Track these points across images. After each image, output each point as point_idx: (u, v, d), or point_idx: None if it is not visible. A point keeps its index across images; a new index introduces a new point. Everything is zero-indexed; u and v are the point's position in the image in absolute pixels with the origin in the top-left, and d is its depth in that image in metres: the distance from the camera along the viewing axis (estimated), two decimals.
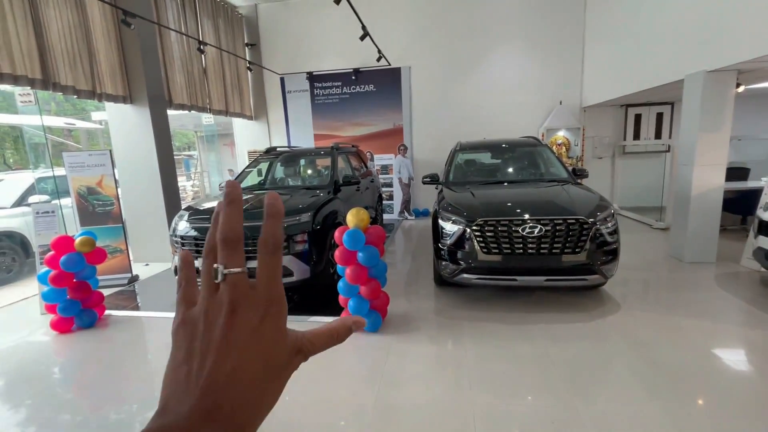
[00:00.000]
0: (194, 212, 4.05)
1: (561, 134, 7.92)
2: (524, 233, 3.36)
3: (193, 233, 3.83)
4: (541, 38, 7.91)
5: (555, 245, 3.35)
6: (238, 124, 9.42)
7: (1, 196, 6.03)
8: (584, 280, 3.38)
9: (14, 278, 5.66)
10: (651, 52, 5.45)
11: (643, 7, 5.57)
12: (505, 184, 4.53)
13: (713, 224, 4.70)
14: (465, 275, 3.57)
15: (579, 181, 4.52)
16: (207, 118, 8.25)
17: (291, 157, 5.59)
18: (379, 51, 7.03)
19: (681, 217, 4.87)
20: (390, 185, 8.73)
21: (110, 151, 4.91)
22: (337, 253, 3.15)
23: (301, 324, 3.55)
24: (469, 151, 5.37)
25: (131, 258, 6.06)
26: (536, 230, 3.35)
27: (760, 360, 2.68)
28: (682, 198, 4.85)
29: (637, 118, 7.97)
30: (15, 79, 4.17)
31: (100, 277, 4.90)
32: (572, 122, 7.85)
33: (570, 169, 4.67)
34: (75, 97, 4.86)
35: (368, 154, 8.71)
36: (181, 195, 14.78)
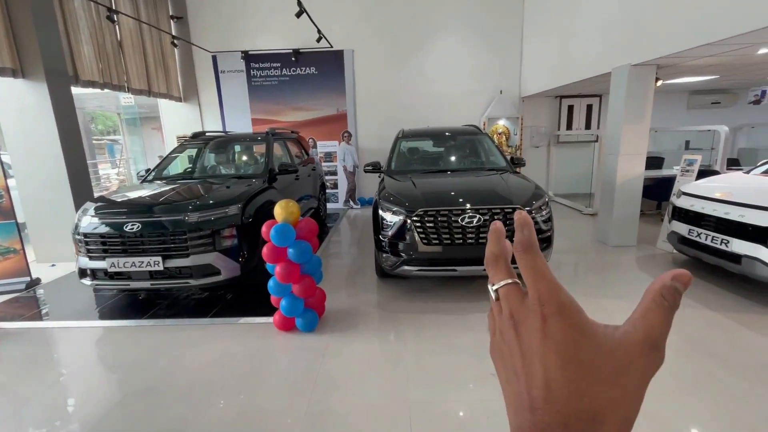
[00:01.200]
0: (103, 205, 3.54)
1: (501, 123, 8.11)
2: (463, 223, 3.32)
3: (101, 230, 3.34)
4: (483, 26, 7.97)
5: None
6: (166, 106, 8.54)
7: None
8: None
9: None
10: (582, 46, 5.67)
11: (575, 1, 5.76)
12: (447, 173, 4.49)
13: (635, 210, 5.05)
14: (406, 267, 3.48)
15: (517, 170, 4.61)
16: (126, 98, 7.36)
17: (222, 143, 5.12)
18: (319, 31, 6.65)
19: (607, 204, 5.18)
20: (334, 173, 8.45)
21: None
22: (264, 250, 2.89)
23: (232, 327, 3.26)
24: (412, 138, 5.28)
25: (29, 259, 5.30)
26: (475, 220, 3.32)
27: (674, 338, 2.88)
28: (607, 185, 5.15)
29: (570, 109, 8.38)
30: None
31: None
32: (512, 112, 8.07)
33: (508, 158, 4.74)
34: None
35: (310, 140, 8.34)
36: (105, 184, 13.31)
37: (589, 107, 8.38)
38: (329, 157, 8.40)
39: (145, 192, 3.85)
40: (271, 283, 3.02)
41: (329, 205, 8.32)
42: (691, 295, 3.54)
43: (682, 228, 4.01)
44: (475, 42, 8.03)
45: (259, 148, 5.26)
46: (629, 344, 0.30)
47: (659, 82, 5.00)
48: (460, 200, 3.47)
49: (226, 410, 2.26)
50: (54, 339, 3.28)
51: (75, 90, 5.68)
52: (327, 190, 8.34)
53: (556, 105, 8.46)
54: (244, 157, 5.45)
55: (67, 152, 5.02)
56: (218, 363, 2.75)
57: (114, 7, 6.41)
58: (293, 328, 3.13)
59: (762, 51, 3.99)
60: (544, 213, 3.52)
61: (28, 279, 4.38)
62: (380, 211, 3.67)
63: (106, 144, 17.85)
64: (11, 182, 5.13)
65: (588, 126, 8.44)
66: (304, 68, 8.25)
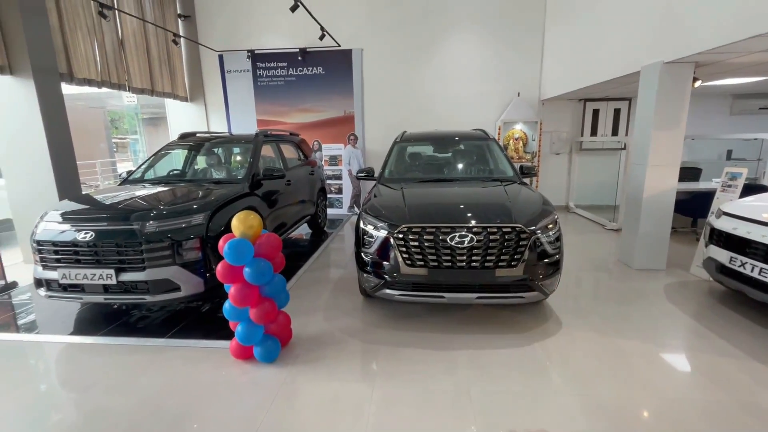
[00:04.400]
0: (63, 211, 3.26)
1: (518, 128, 7.52)
2: (453, 243, 2.84)
3: (54, 238, 3.05)
4: (500, 24, 7.43)
5: (488, 258, 2.86)
6: (172, 106, 8.43)
7: None
8: (520, 297, 2.92)
9: None
10: (609, 43, 5.07)
11: None
12: (444, 182, 4.01)
13: (664, 228, 4.40)
14: (387, 290, 3.04)
15: (526, 180, 4.08)
16: (129, 98, 7.26)
17: (208, 145, 4.82)
18: (322, 28, 6.32)
19: (632, 220, 4.56)
20: (339, 178, 8.09)
21: None
22: (219, 268, 2.52)
23: (187, 351, 2.90)
24: (412, 142, 4.82)
25: (16, 260, 5.19)
26: (466, 240, 2.84)
27: (703, 394, 2.31)
28: (633, 199, 4.53)
29: (595, 113, 7.70)
30: None
31: None
32: (530, 115, 7.47)
33: (518, 166, 4.21)
34: None
35: (315, 143, 8.02)
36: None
37: (617, 112, 7.67)
38: (334, 160, 8.05)
39: (114, 196, 3.57)
40: (226, 305, 2.65)
41: (332, 211, 7.97)
42: (731, 339, 2.92)
43: (721, 255, 3.37)
44: (492, 40, 7.50)
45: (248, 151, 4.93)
46: None
47: (697, 83, 4.35)
48: (452, 216, 2.99)
49: None
50: (7, 352, 3.01)
51: (89, 90, 5.56)
52: (331, 195, 8.00)
53: (579, 109, 7.79)
54: (231, 161, 5.14)
55: (54, 151, 4.86)
56: (158, 396, 2.39)
57: (116, 6, 6.30)
58: (251, 357, 2.74)
59: None
60: (551, 233, 3.00)
61: (2, 282, 4.20)
62: (362, 225, 3.25)
63: (128, 143, 18.28)
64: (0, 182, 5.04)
65: (615, 132, 7.73)
66: (311, 68, 7.95)
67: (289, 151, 5.71)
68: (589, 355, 2.77)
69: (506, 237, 2.86)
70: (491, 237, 2.85)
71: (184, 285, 3.06)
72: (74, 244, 2.99)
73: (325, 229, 6.63)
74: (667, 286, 4.00)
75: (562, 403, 2.26)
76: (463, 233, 2.86)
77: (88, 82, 5.81)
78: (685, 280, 4.13)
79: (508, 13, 7.38)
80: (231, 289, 2.54)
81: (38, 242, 3.08)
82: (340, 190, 8.13)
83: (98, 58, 5.98)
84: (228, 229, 3.33)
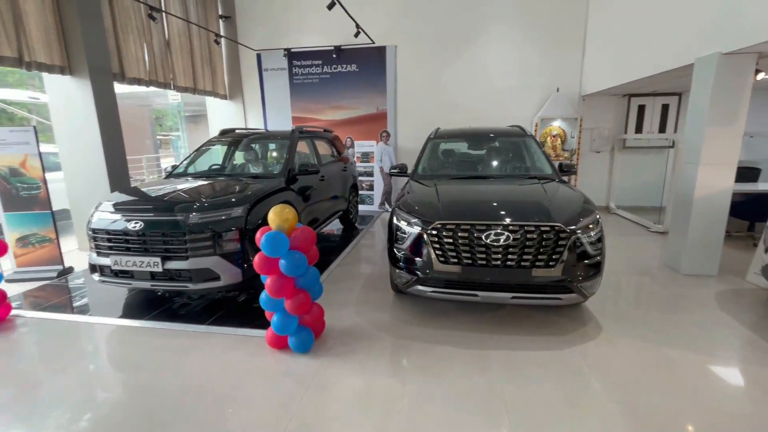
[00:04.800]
0: (116, 202, 3.48)
1: (556, 125, 7.26)
2: (488, 241, 2.79)
3: (108, 226, 3.27)
4: (540, 16, 7.18)
5: (524, 257, 2.78)
6: (212, 104, 8.78)
7: None
8: (558, 299, 2.82)
9: None
10: (659, 33, 4.78)
11: None
12: (480, 180, 3.93)
13: (717, 232, 4.11)
14: (419, 287, 3.03)
15: (565, 178, 3.94)
16: (173, 96, 7.62)
17: (247, 141, 4.99)
18: (357, 25, 6.35)
19: (681, 222, 4.28)
20: (371, 174, 8.13)
21: (34, 127, 4.33)
22: (255, 259, 2.60)
23: (226, 338, 3.03)
24: (446, 139, 4.76)
25: (73, 247, 5.57)
26: (502, 238, 2.78)
27: (758, 409, 2.14)
28: (683, 200, 4.26)
29: (641, 109, 7.29)
30: None
31: (26, 270, 4.42)
32: (569, 112, 7.18)
33: (556, 164, 4.07)
34: None
35: (348, 140, 8.09)
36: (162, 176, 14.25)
37: (665, 107, 7.23)
38: (366, 157, 8.10)
39: (161, 188, 3.77)
40: (262, 296, 2.73)
41: (363, 207, 8.03)
42: None
43: None
44: (530, 34, 7.26)
45: (284, 147, 5.06)
46: None
47: (760, 75, 4.02)
48: (487, 214, 2.93)
49: None
50: (65, 331, 3.25)
51: (138, 88, 5.91)
52: (362, 192, 8.06)
53: (623, 105, 7.41)
54: (268, 156, 5.28)
55: (107, 147, 5.19)
56: (198, 378, 2.51)
57: (163, 7, 6.62)
58: (286, 346, 2.81)
59: None
60: (592, 234, 2.87)
61: (60, 267, 4.54)
62: (395, 220, 3.25)
63: (171, 139, 19.23)
64: (60, 174, 5.44)
65: (663, 129, 7.28)
66: (345, 65, 8.02)
67: (323, 148, 5.80)
68: (631, 362, 2.63)
69: (544, 236, 2.77)
70: (528, 236, 2.77)
71: (223, 274, 3.19)
72: (125, 232, 3.19)
73: (356, 225, 6.68)
74: (719, 293, 3.73)
75: (602, 410, 2.17)
76: (499, 231, 2.80)
77: (138, 81, 6.15)
78: (740, 288, 3.85)
79: (548, 6, 7.11)
80: (267, 280, 2.62)
81: (93, 230, 3.31)
82: (371, 187, 8.17)
83: (147, 59, 6.31)
84: (265, 222, 3.43)
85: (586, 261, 2.84)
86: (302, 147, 5.18)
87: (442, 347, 2.84)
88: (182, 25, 7.10)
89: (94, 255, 3.36)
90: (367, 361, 2.68)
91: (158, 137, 17.64)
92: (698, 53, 3.97)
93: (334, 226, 6.58)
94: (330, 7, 4.99)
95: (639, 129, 7.36)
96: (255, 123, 8.76)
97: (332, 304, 3.53)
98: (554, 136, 7.25)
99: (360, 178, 7.96)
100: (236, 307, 3.55)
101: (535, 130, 7.31)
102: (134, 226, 3.16)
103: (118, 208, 3.35)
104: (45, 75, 4.95)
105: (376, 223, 7.02)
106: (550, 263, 2.77)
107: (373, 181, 8.13)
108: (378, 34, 7.57)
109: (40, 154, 4.35)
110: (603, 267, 2.94)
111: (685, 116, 6.78)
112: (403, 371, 2.57)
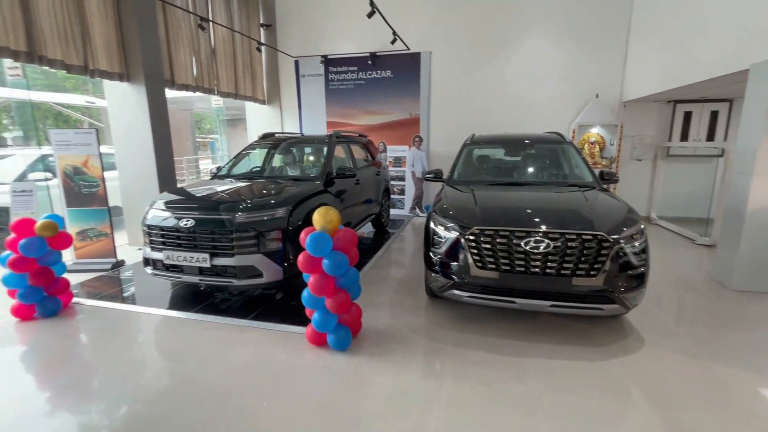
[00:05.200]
0: (168, 200, 3.72)
1: (595, 131, 7.07)
2: (527, 248, 2.78)
3: (162, 223, 3.50)
4: (580, 21, 7.04)
5: (565, 265, 2.75)
6: (251, 109, 9.14)
7: (8, 172, 6.04)
8: (599, 309, 2.77)
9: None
10: (710, 37, 4.59)
11: None
12: (517, 186, 3.91)
13: None
14: (455, 291, 3.05)
15: (606, 187, 3.85)
16: (216, 101, 8.01)
17: (287, 145, 5.18)
18: (394, 32, 6.46)
19: (731, 234, 4.08)
20: (403, 179, 8.20)
21: (96, 130, 4.69)
22: (300, 258, 2.71)
23: (267, 333, 3.16)
24: (482, 145, 4.76)
25: (123, 241, 5.95)
26: (542, 245, 2.76)
27: None
28: (734, 212, 4.06)
29: (687, 116, 6.98)
30: None
31: (83, 262, 4.77)
32: (609, 118, 6.98)
33: (597, 172, 3.98)
34: (65, 71, 4.65)
35: (381, 144, 8.20)
36: (203, 177, 15.01)
37: (714, 114, 6.89)
38: (398, 161, 8.18)
39: (208, 189, 3.98)
40: (304, 293, 2.84)
41: (394, 211, 8.10)
42: None
43: None
44: (569, 39, 7.13)
45: (321, 151, 5.22)
46: None
47: None
48: (527, 220, 2.92)
49: (232, 427, 2.10)
50: (120, 319, 3.51)
51: (181, 94, 6.29)
52: (393, 196, 8.14)
53: (668, 111, 7.12)
54: (307, 159, 5.46)
55: (158, 148, 5.53)
56: (243, 370, 2.64)
57: (210, 17, 6.99)
58: (325, 344, 2.91)
59: None
60: (637, 243, 2.81)
61: (114, 260, 4.87)
62: (432, 225, 3.29)
63: (208, 142, 20.09)
64: (113, 174, 5.84)
65: (711, 137, 6.94)
66: (380, 72, 8.17)
67: (358, 152, 5.92)
68: (677, 377, 2.54)
69: (586, 245, 2.73)
70: (569, 244, 2.74)
71: (266, 272, 3.33)
72: (177, 229, 3.40)
73: (388, 228, 6.76)
74: None
75: (645, 423, 2.12)
76: (539, 238, 2.78)
77: (186, 87, 6.52)
78: None
79: (588, 10, 6.97)
80: (310, 279, 2.73)
81: (148, 226, 3.54)
82: (402, 191, 8.24)
83: (194, 66, 6.68)
84: (305, 223, 3.57)
85: (629, 272, 2.77)
86: (338, 151, 5.32)
87: (478, 352, 2.85)
88: (227, 34, 7.46)
89: (148, 249, 3.60)
90: (403, 362, 2.73)
91: (197, 140, 18.48)
92: (754, 59, 3.79)
93: (365, 229, 6.69)
94: (370, 15, 5.13)
95: (685, 137, 7.05)
96: (291, 127, 9.05)
97: (367, 306, 3.60)
98: (592, 143, 7.07)
99: (392, 182, 8.05)
100: (275, 304, 3.70)
101: (572, 137, 7.15)
102: (186, 223, 3.37)
103: (171, 206, 3.58)
104: (105, 81, 5.35)
105: (406, 228, 7.07)
106: (592, 272, 2.73)
107: (404, 185, 8.20)
108: (414, 40, 7.66)
109: (100, 154, 4.70)
110: (647, 278, 2.86)
111: (736, 124, 6.45)
112: (439, 374, 2.60)
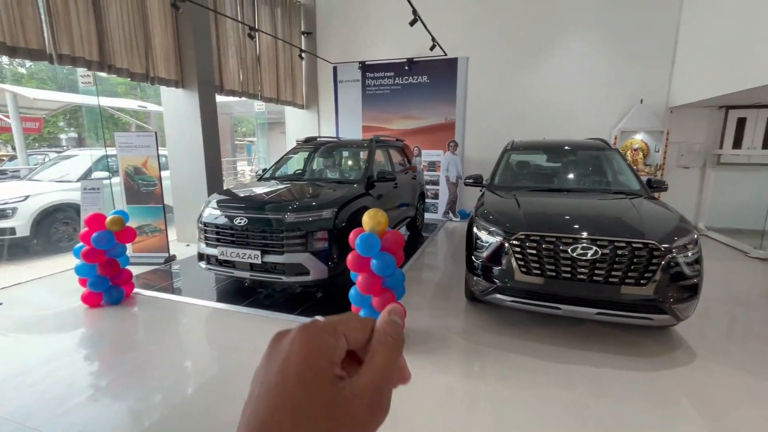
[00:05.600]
0: (222, 199, 3.96)
1: (638, 138, 6.86)
2: (574, 254, 2.78)
3: (216, 221, 3.74)
4: (623, 26, 6.87)
5: (613, 273, 2.73)
6: (290, 113, 9.47)
7: (72, 171, 6.57)
8: (649, 319, 2.73)
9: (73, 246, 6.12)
10: (765, 41, 4.39)
11: None
12: (560, 192, 3.89)
13: None
14: (498, 295, 3.08)
15: (655, 195, 3.76)
16: (259, 105, 8.37)
17: (329, 148, 5.37)
18: (433, 39, 6.55)
19: None
20: (436, 183, 8.24)
21: (155, 133, 5.04)
22: (349, 257, 2.84)
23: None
24: (522, 151, 4.76)
25: (173, 238, 6.31)
26: (590, 252, 2.75)
27: None
28: None
29: (741, 122, 6.65)
30: (73, 61, 4.38)
31: (140, 255, 5.12)
32: (654, 124, 6.76)
33: (644, 179, 3.90)
34: (129, 79, 5.04)
35: (415, 149, 8.29)
36: (240, 179, 15.58)
37: None
38: (432, 166, 8.23)
39: (257, 190, 4.21)
40: (352, 291, 2.96)
41: (427, 215, 8.14)
42: None
43: None
44: (612, 43, 6.97)
45: (363, 155, 5.37)
46: (360, 393, 0.29)
47: None
48: (574, 227, 2.92)
49: None
50: (174, 309, 3.77)
51: (222, 98, 6.66)
52: (427, 200, 8.19)
53: (719, 117, 6.81)
54: (348, 163, 5.62)
55: (207, 150, 5.86)
56: None
57: (256, 26, 7.33)
58: None
59: None
60: (690, 254, 2.75)
61: (166, 255, 5.20)
62: (475, 229, 3.34)
63: (245, 144, 20.86)
64: (166, 173, 6.22)
65: (767, 145, 6.58)
66: (416, 77, 8.26)
67: (395, 156, 6.04)
68: (731, 392, 2.47)
69: (636, 253, 2.70)
70: (618, 252, 2.72)
71: (312, 270, 3.49)
72: (231, 227, 3.62)
73: (422, 232, 6.82)
74: None
75: None
76: (587, 245, 2.78)
77: (233, 92, 6.87)
78: None
79: (633, 14, 6.79)
80: (358, 278, 2.84)
81: (205, 224, 3.79)
82: (436, 195, 8.28)
83: (240, 72, 7.03)
84: (348, 224, 3.70)
85: (681, 282, 2.71)
86: (377, 155, 5.44)
87: (521, 357, 2.86)
88: (270, 42, 7.80)
89: (203, 245, 3.84)
90: (447, 361, 2.80)
91: (235, 142, 19.23)
92: None
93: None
94: (412, 23, 5.24)
95: (738, 144, 6.71)
96: (327, 131, 9.30)
97: (406, 306, 3.68)
98: (635, 150, 6.86)
99: (426, 186, 8.10)
100: (319, 302, 3.85)
101: (614, 143, 6.96)
102: (239, 222, 3.58)
103: (226, 205, 3.81)
104: (162, 88, 5.74)
105: (440, 232, 7.10)
106: (642, 281, 2.69)
107: (438, 189, 8.24)
108: (451, 45, 7.71)
109: (158, 156, 5.05)
110: (700, 290, 2.79)
111: None
112: (482, 375, 2.64)
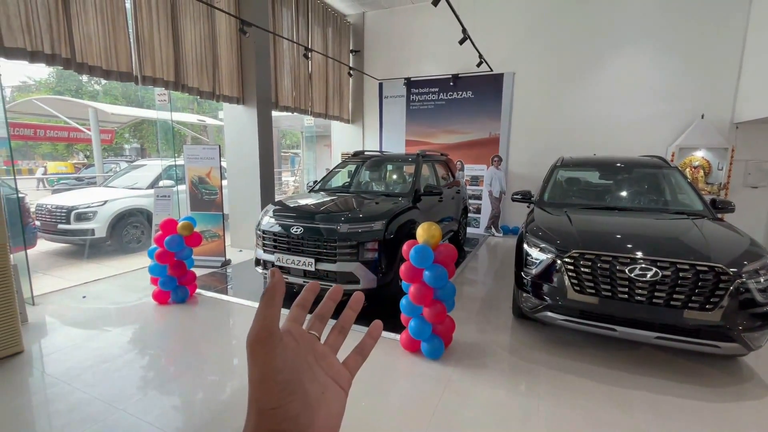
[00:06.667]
0: (279, 208, 4.22)
1: (699, 155, 6.50)
2: (632, 275, 2.72)
3: (274, 229, 3.99)
4: (683, 38, 6.61)
5: (675, 296, 2.64)
6: (336, 127, 9.85)
7: (141, 179, 7.22)
8: (715, 347, 2.59)
9: (142, 248, 6.69)
10: None
11: None
12: (613, 210, 3.80)
13: None
14: (549, 313, 3.05)
15: (719, 216, 3.58)
16: (308, 120, 8.79)
17: (376, 162, 5.56)
18: (480, 55, 6.63)
19: None
20: (479, 198, 8.21)
21: (219, 146, 5.46)
22: (402, 268, 2.94)
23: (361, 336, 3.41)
24: (573, 168, 4.68)
25: (228, 243, 6.73)
26: (650, 273, 2.68)
27: None
28: None
29: None
30: (154, 81, 4.89)
31: (200, 258, 5.51)
32: (717, 141, 6.39)
33: (708, 199, 3.72)
34: (198, 96, 5.52)
35: (458, 163, 8.33)
36: (284, 189, 16.24)
37: None
38: (475, 180, 8.22)
39: (310, 201, 4.44)
40: (403, 301, 3.05)
41: (469, 230, 8.11)
42: None
43: None
44: (669, 57, 6.71)
45: (409, 169, 5.51)
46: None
47: None
48: (631, 246, 2.86)
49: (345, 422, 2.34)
50: (231, 310, 4.04)
51: (274, 113, 7.10)
52: (469, 214, 8.17)
53: None
54: (395, 176, 5.78)
55: (262, 162, 6.24)
56: None
57: (310, 46, 7.78)
58: (418, 351, 3.08)
59: None
60: (762, 279, 2.60)
61: (223, 259, 5.56)
62: (525, 246, 3.34)
63: (289, 156, 21.76)
64: (224, 183, 6.67)
65: None
66: (460, 92, 8.36)
67: (440, 170, 6.12)
68: None
69: (701, 276, 2.59)
70: (681, 274, 2.63)
71: (362, 279, 3.62)
72: (288, 235, 3.85)
73: (464, 247, 6.81)
74: None
75: None
76: (646, 266, 2.71)
77: (286, 108, 7.29)
78: None
79: (693, 24, 6.52)
80: (411, 288, 2.94)
81: (263, 231, 4.05)
82: (478, 210, 8.24)
83: (294, 89, 7.46)
84: (396, 236, 3.82)
85: (752, 309, 2.57)
86: (423, 170, 5.56)
87: (573, 377, 2.81)
88: (321, 60, 8.22)
89: (261, 251, 4.10)
90: (497, 376, 2.80)
91: (281, 154, 20.11)
92: None
93: None
94: (461, 42, 5.37)
95: None
96: (371, 144, 9.56)
97: (454, 319, 3.71)
98: (695, 168, 6.50)
99: (468, 200, 8.10)
100: (366, 311, 3.96)
101: (671, 161, 6.64)
102: (296, 230, 3.80)
103: (283, 215, 4.06)
104: (225, 104, 6.22)
105: (482, 247, 7.05)
106: (707, 306, 2.58)
107: (480, 204, 8.20)
108: (497, 61, 7.75)
109: (221, 167, 5.46)
110: None
111: None
112: (534, 393, 2.62)
